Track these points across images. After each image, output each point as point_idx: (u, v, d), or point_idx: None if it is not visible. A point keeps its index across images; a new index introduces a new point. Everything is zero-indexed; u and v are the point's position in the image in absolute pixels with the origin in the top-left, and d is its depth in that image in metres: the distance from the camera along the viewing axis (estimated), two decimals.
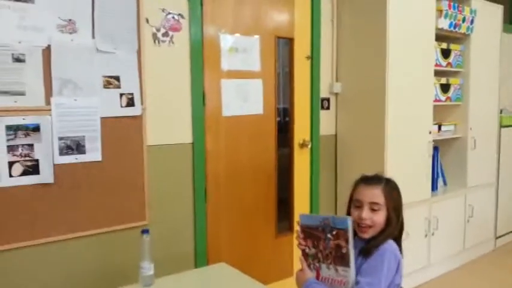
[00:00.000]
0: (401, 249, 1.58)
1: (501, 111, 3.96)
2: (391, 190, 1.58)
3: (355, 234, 1.53)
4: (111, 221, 2.20)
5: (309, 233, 1.55)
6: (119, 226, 2.22)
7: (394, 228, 1.55)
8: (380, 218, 1.53)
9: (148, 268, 1.76)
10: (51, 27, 1.99)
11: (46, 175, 1.99)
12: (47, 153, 1.99)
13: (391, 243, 1.52)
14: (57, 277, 2.06)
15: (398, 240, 1.58)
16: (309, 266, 1.58)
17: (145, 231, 1.77)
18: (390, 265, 1.48)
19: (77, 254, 2.11)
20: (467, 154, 3.58)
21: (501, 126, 3.90)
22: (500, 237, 4.00)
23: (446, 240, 3.40)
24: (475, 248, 3.74)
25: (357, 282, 1.46)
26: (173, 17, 2.39)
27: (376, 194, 1.54)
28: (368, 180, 1.60)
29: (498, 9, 3.83)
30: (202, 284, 1.79)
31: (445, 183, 3.65)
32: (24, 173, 1.94)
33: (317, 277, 1.56)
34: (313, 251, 1.53)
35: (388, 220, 1.54)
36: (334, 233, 1.52)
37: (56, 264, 2.06)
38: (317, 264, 1.52)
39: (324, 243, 1.54)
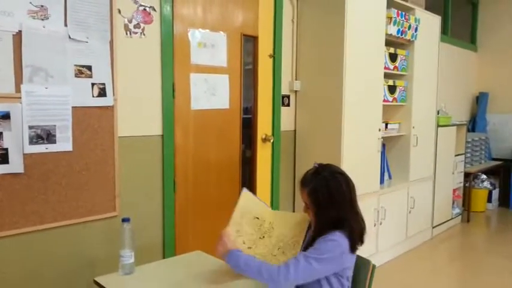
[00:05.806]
0: (355, 243, 1.62)
1: (438, 112, 4.36)
2: (319, 189, 1.64)
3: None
4: (81, 212, 2.17)
5: None
6: (89, 217, 2.20)
7: (324, 222, 1.62)
8: (311, 214, 1.70)
9: (129, 256, 1.77)
10: (22, 12, 1.93)
11: (16, 165, 1.93)
12: (17, 142, 1.93)
13: (338, 235, 1.58)
14: (25, 270, 2.00)
15: (352, 235, 1.61)
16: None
17: (125, 220, 1.78)
18: (334, 253, 1.56)
19: (46, 246, 2.06)
20: (410, 150, 3.91)
21: (438, 125, 4.28)
22: (436, 226, 4.39)
23: (392, 230, 3.69)
24: (416, 236, 4.08)
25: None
26: (144, 9, 2.40)
27: (303, 196, 1.72)
28: (301, 182, 1.72)
29: (437, 20, 4.21)
30: (182, 270, 1.83)
31: (390, 177, 3.95)
32: None
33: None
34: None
35: (316, 215, 1.66)
36: None
37: (24, 256, 2.00)
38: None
39: None
